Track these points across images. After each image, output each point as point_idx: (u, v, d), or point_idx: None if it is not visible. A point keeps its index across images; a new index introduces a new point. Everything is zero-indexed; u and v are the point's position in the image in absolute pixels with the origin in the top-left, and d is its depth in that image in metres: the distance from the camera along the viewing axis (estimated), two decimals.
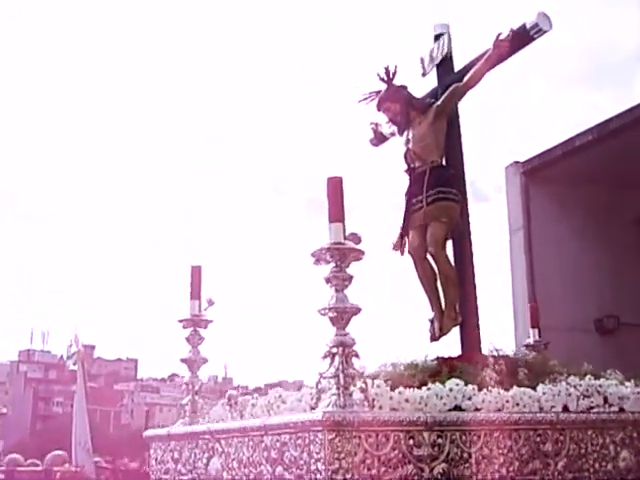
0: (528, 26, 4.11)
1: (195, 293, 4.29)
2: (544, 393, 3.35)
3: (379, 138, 5.10)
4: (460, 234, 4.35)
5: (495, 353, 4.04)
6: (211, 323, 4.24)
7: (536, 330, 5.51)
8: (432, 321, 4.26)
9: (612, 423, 3.37)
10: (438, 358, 3.95)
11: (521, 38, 4.18)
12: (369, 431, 2.63)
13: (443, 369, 3.64)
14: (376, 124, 5.01)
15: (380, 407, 2.90)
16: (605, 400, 3.51)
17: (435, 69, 4.73)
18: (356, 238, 3.07)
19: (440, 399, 3.04)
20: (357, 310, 2.91)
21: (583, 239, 8.29)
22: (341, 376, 2.75)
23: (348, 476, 2.54)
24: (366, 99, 4.61)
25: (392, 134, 4.82)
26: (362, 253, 2.99)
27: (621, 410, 3.47)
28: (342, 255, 2.92)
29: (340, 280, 2.92)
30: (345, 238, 3.00)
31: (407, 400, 2.97)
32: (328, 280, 2.92)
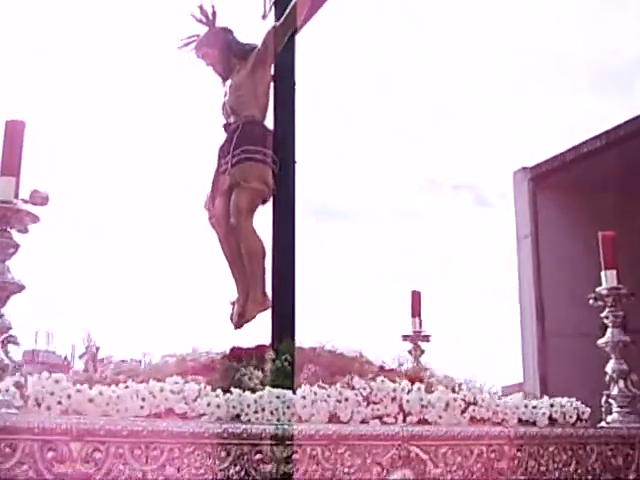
0: None
1: None
2: None
3: None
4: (279, 202, 3.72)
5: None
6: None
7: (417, 319, 4.90)
8: (234, 304, 3.64)
9: None
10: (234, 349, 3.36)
11: None
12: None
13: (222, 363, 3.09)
14: None
15: (48, 407, 2.31)
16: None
17: (274, 10, 4.07)
18: (40, 197, 2.45)
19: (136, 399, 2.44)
20: (20, 288, 2.31)
21: (589, 247, 7.90)
22: None
23: None
24: (186, 45, 3.97)
25: None
26: (37, 219, 2.38)
27: None
28: (5, 216, 2.32)
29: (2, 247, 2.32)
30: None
31: (92, 400, 2.38)
32: None
